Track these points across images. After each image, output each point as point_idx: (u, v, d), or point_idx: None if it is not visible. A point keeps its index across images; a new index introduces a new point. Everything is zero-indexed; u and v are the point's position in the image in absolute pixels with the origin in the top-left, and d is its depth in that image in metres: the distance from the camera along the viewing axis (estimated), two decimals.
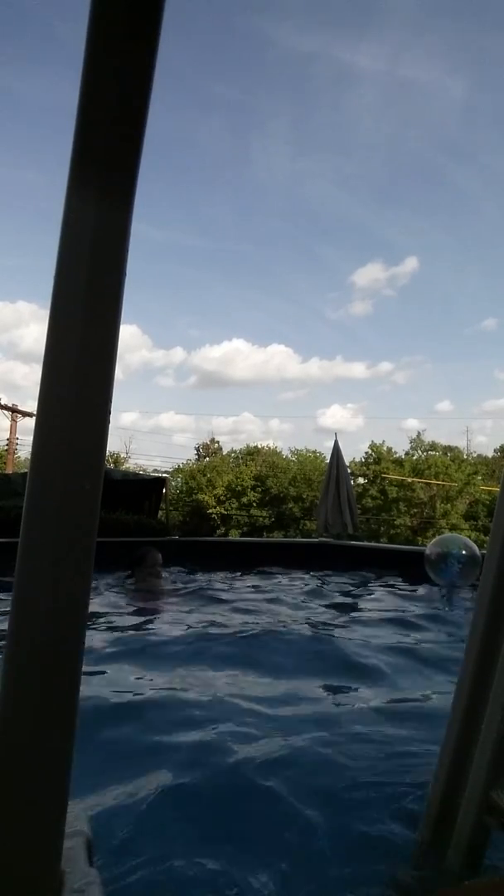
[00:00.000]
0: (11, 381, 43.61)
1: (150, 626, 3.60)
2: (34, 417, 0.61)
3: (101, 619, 3.62)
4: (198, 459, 35.93)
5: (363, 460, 33.43)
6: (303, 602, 4.65)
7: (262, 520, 31.08)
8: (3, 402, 26.19)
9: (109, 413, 0.61)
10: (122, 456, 35.61)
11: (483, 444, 54.87)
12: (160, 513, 10.62)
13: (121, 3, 0.55)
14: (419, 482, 31.24)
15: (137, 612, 3.96)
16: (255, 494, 31.74)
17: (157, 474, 19.22)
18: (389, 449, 33.78)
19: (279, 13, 37.26)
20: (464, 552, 4.91)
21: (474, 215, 43.77)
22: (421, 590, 5.30)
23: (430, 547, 5.28)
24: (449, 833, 1.12)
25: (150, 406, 60.87)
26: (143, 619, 3.77)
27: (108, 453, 0.66)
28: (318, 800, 1.51)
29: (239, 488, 31.68)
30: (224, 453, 36.65)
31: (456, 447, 36.03)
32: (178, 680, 2.44)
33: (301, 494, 31.18)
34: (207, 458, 35.59)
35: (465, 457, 35.48)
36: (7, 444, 27.10)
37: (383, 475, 31.92)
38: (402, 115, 41.30)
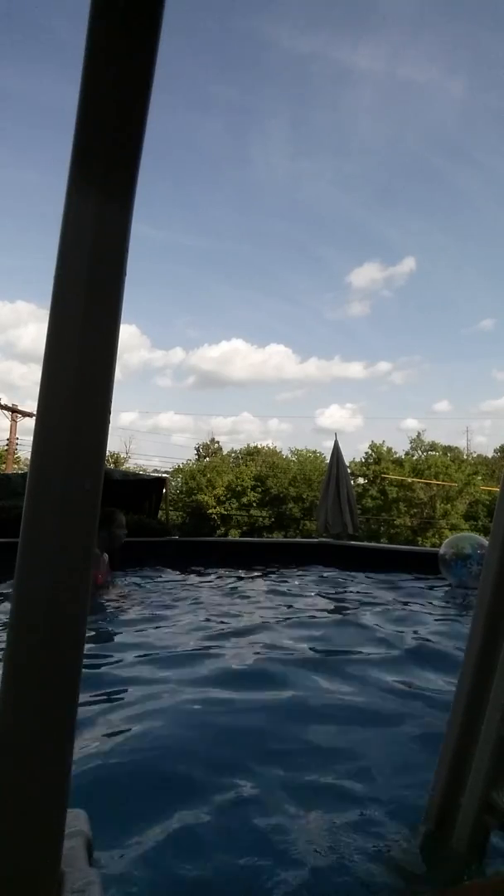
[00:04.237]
0: (9, 381, 43.70)
1: (132, 618, 3.60)
2: (34, 417, 0.61)
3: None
4: (198, 459, 35.93)
5: (363, 460, 33.45)
6: (302, 602, 4.65)
7: (262, 520, 31.08)
8: (2, 402, 26.22)
9: (109, 413, 0.61)
10: (122, 456, 35.62)
11: (482, 444, 54.93)
12: (160, 513, 10.61)
13: (121, 4, 0.55)
14: (419, 482, 31.25)
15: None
16: (255, 494, 31.73)
17: (157, 474, 19.22)
18: (389, 449, 33.80)
19: (278, 14, 37.29)
20: (480, 552, 4.90)
21: (472, 215, 43.84)
22: (422, 589, 5.30)
23: (445, 546, 5.27)
24: (449, 833, 1.13)
25: (150, 406, 60.93)
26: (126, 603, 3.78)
27: (108, 453, 0.66)
28: (317, 800, 1.51)
29: (239, 488, 31.68)
30: (224, 453, 36.66)
31: (456, 447, 36.07)
32: (173, 677, 2.44)
33: (301, 494, 31.17)
34: (207, 459, 35.59)
35: (464, 457, 35.48)
36: (7, 444, 27.12)
37: (383, 475, 31.93)
38: (401, 115, 41.32)
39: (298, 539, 20.91)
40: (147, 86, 0.58)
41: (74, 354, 0.59)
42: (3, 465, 25.64)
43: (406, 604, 4.66)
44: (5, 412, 26.47)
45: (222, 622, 3.67)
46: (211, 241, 47.44)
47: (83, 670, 0.63)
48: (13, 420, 26.61)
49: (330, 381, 49.07)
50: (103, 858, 1.20)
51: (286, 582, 5.80)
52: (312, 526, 23.84)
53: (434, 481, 30.82)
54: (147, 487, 10.73)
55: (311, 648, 3.03)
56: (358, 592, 5.26)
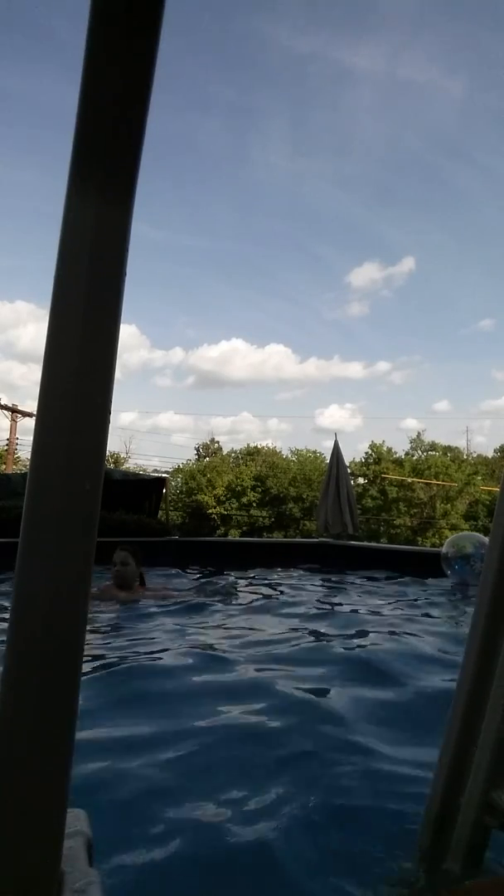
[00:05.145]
0: (9, 381, 43.74)
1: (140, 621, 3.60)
2: (34, 417, 0.61)
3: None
4: (198, 459, 35.92)
5: (363, 460, 33.43)
6: (302, 602, 4.65)
7: (262, 520, 31.07)
8: (2, 402, 26.23)
9: (109, 413, 0.61)
10: (122, 456, 35.61)
11: (482, 444, 55.02)
12: (160, 513, 10.62)
13: (121, 4, 0.55)
14: (419, 482, 31.24)
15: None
16: (255, 494, 31.72)
17: (156, 474, 19.22)
18: (389, 449, 33.78)
19: (277, 13, 37.35)
20: (482, 551, 4.94)
21: (472, 215, 43.90)
22: (422, 589, 5.30)
23: (447, 545, 5.35)
24: (449, 833, 1.13)
25: (149, 406, 61.05)
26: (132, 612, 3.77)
27: (108, 453, 0.66)
28: (317, 800, 1.51)
29: (239, 488, 31.66)
30: (224, 453, 36.64)
31: (456, 447, 36.06)
32: (171, 676, 2.44)
33: (301, 494, 31.16)
34: (207, 459, 35.57)
35: (464, 457, 35.48)
36: (7, 444, 27.12)
37: (383, 475, 31.92)
38: (401, 115, 41.39)
39: (298, 539, 20.91)
40: (147, 86, 0.58)
41: (74, 354, 0.59)
42: (3, 465, 25.64)
43: (406, 604, 4.67)
44: (5, 412, 26.49)
45: (221, 623, 3.67)
46: (211, 241, 47.51)
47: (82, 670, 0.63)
48: (13, 420, 26.62)
49: (329, 381, 49.14)
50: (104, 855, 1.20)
51: (286, 582, 5.80)
52: (312, 526, 23.84)
53: (434, 481, 30.81)
54: (147, 487, 10.75)
55: (309, 650, 3.03)
56: (357, 592, 5.26)
